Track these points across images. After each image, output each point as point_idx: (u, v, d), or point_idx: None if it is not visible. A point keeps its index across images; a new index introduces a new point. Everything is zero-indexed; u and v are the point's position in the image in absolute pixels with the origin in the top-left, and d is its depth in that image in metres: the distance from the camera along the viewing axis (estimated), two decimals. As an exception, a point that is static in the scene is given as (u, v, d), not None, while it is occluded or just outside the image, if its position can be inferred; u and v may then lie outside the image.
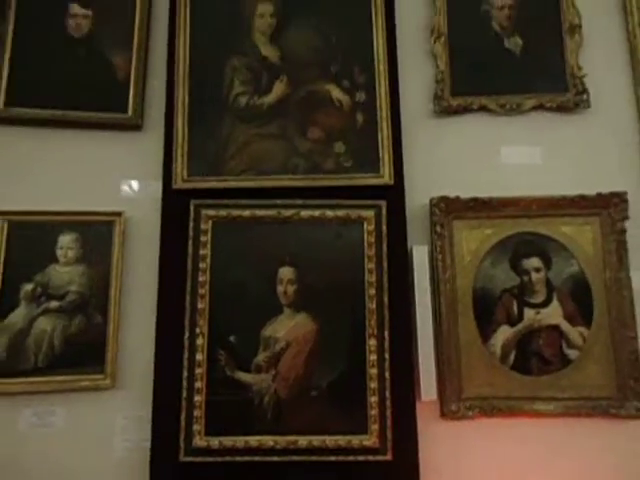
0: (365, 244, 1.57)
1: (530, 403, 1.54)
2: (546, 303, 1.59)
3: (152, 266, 1.58)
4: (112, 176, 1.67)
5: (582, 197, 1.62)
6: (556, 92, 1.73)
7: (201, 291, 1.52)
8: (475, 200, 1.63)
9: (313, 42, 1.72)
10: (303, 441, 1.45)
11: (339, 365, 1.50)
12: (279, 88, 1.68)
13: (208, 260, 1.55)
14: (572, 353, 1.56)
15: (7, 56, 1.69)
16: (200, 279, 1.53)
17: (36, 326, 1.54)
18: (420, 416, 1.51)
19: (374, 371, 1.49)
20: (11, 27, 1.72)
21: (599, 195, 1.61)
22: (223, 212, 1.57)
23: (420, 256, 1.57)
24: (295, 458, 1.45)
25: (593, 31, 1.77)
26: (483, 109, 1.74)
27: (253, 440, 1.45)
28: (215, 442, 1.44)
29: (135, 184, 1.67)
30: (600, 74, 1.74)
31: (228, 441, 1.45)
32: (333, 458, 1.45)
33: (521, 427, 1.52)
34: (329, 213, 1.58)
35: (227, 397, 1.48)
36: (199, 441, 1.44)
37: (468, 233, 1.63)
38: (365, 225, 1.58)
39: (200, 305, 1.51)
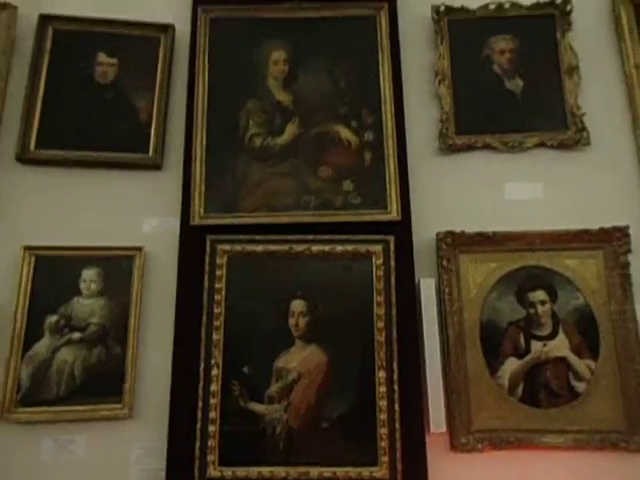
0: (374, 278, 1.62)
1: (539, 436, 1.55)
2: (552, 335, 1.62)
3: (170, 299, 1.65)
4: (133, 213, 1.75)
5: (585, 231, 1.67)
6: (557, 130, 1.80)
7: (216, 323, 1.59)
8: (480, 235, 1.68)
9: (323, 86, 1.82)
10: (314, 472, 1.48)
11: (349, 396, 1.54)
12: (291, 129, 1.78)
13: (223, 293, 1.61)
14: (580, 386, 1.58)
15: (39, 101, 1.81)
16: (215, 311, 1.59)
17: (58, 357, 1.60)
18: (430, 448, 1.53)
19: (384, 403, 1.52)
20: (44, 74, 1.84)
21: (601, 229, 1.66)
22: (238, 247, 1.65)
23: (428, 289, 1.62)
24: (306, 489, 1.48)
25: (590, 72, 1.85)
26: (487, 147, 1.81)
27: (266, 471, 1.48)
28: (228, 472, 1.48)
29: (155, 221, 1.75)
30: (598, 113, 1.81)
31: (241, 471, 1.48)
32: (344, 489, 1.48)
33: (530, 460, 1.54)
34: (339, 248, 1.65)
35: (240, 427, 1.52)
36: (213, 471, 1.48)
37: (474, 266, 1.68)
38: (374, 259, 1.64)
39: (215, 337, 1.57)
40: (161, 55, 1.90)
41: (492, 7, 1.93)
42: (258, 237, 1.66)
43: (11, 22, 1.86)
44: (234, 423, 1.52)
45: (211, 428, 1.51)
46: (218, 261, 1.63)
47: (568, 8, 1.90)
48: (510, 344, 1.62)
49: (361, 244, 1.65)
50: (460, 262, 1.68)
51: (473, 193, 1.77)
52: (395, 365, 1.55)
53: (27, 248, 1.66)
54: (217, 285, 1.61)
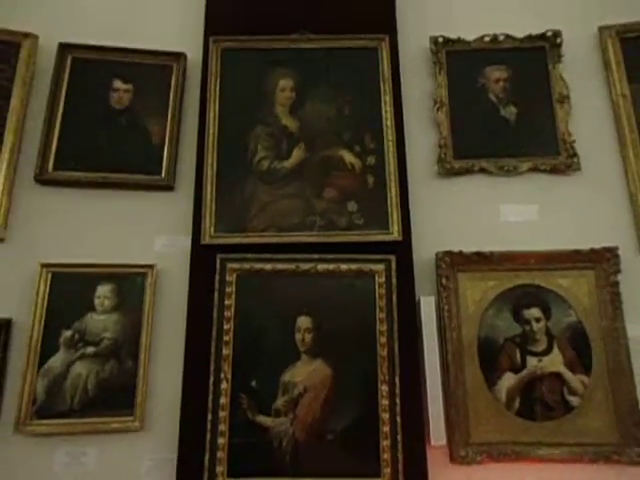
0: (376, 295, 1.69)
1: (535, 449, 1.61)
2: (547, 351, 1.68)
3: (181, 315, 1.71)
4: (146, 232, 1.82)
5: (577, 252, 1.75)
6: (549, 156, 1.89)
7: (225, 338, 1.65)
8: (477, 254, 1.76)
9: (328, 113, 1.91)
10: (320, 483, 1.53)
11: (353, 410, 1.60)
12: (297, 153, 1.87)
13: (232, 309, 1.67)
14: (574, 400, 1.64)
15: (58, 124, 1.89)
16: (225, 327, 1.66)
17: (73, 370, 1.66)
18: (430, 460, 1.58)
19: (386, 416, 1.58)
20: (62, 99, 1.92)
21: (592, 250, 1.74)
22: (246, 265, 1.72)
23: (427, 306, 1.69)
24: (312, 500, 1.53)
25: (580, 101, 1.95)
26: (483, 171, 1.90)
27: (272, 482, 1.54)
28: (237, 483, 1.53)
29: (167, 239, 1.82)
30: (588, 139, 1.91)
31: (249, 482, 1.54)
32: (348, 500, 1.53)
33: (527, 472, 1.59)
34: (343, 267, 1.72)
35: (248, 440, 1.57)
36: (222, 482, 1.53)
37: (472, 285, 1.75)
38: (376, 278, 1.71)
39: (224, 351, 1.63)
40: (173, 82, 1.99)
41: (487, 39, 2.04)
42: (266, 256, 1.72)
43: (32, 50, 1.96)
44: (242, 435, 1.57)
45: (220, 440, 1.56)
46: (228, 279, 1.70)
47: (558, 41, 2.01)
48: (507, 359, 1.69)
49: (364, 263, 1.72)
50: (458, 280, 1.76)
51: (470, 215, 1.86)
52: (397, 379, 1.61)
53: (44, 265, 1.72)
54: (227, 302, 1.68)
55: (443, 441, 1.57)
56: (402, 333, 1.66)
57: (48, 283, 1.72)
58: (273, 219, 1.79)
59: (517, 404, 1.65)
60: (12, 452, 1.59)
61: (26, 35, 1.96)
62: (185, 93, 2.00)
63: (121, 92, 1.98)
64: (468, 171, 1.90)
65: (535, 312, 1.71)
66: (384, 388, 1.60)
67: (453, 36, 2.04)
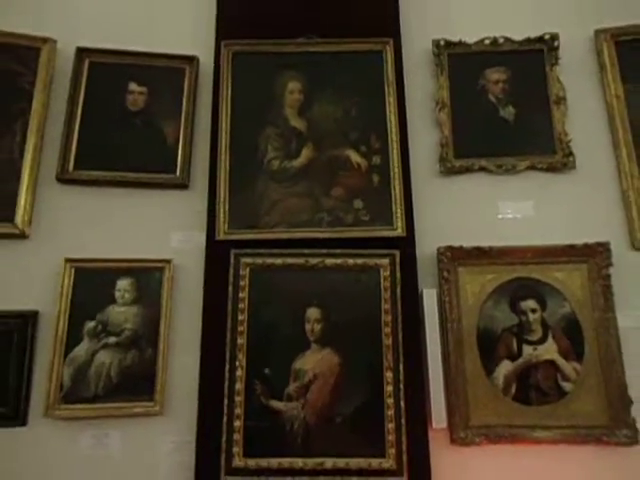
0: (381, 288, 1.78)
1: (530, 431, 1.71)
2: (542, 340, 1.78)
3: (197, 307, 1.80)
4: (163, 228, 1.91)
5: (571, 246, 1.84)
6: (546, 155, 1.98)
7: (240, 329, 1.75)
8: (477, 249, 1.85)
9: (335, 114, 1.99)
10: (329, 463, 1.63)
11: (360, 395, 1.70)
12: (306, 153, 1.95)
13: (246, 302, 1.77)
14: (567, 385, 1.74)
15: (77, 126, 1.97)
16: (239, 318, 1.75)
17: (97, 359, 1.76)
18: (432, 442, 1.69)
19: (391, 400, 1.68)
20: (81, 102, 2.01)
21: (586, 245, 1.83)
22: (259, 260, 1.81)
23: (430, 298, 1.78)
24: (322, 478, 1.63)
25: (576, 102, 2.03)
26: (482, 169, 1.98)
27: (285, 461, 1.64)
28: (252, 463, 1.64)
29: (183, 235, 1.92)
30: (583, 139, 1.99)
31: (263, 462, 1.64)
32: (355, 478, 1.63)
33: (523, 452, 1.70)
34: (350, 261, 1.81)
35: (262, 423, 1.67)
36: (238, 462, 1.64)
37: (471, 278, 1.85)
38: (381, 271, 1.80)
39: (239, 341, 1.73)
40: (186, 84, 2.07)
41: (487, 42, 2.11)
42: (277, 251, 1.82)
43: (51, 55, 2.04)
44: (257, 419, 1.68)
45: (236, 423, 1.66)
46: (241, 273, 1.80)
47: (556, 44, 2.08)
48: (504, 348, 1.78)
49: (370, 258, 1.81)
50: (459, 274, 1.85)
51: (470, 211, 1.94)
52: (401, 367, 1.70)
53: (68, 260, 1.82)
54: (240, 294, 1.78)
55: (444, 424, 1.67)
56: (406, 324, 1.75)
57: (72, 277, 1.81)
58: (283, 216, 1.88)
59: (514, 390, 1.75)
60: (42, 434, 1.70)
61: (45, 40, 2.04)
62: (198, 95, 2.08)
63: (136, 94, 2.05)
64: (468, 169, 1.99)
65: (531, 303, 1.81)
66: (389, 375, 1.70)
67: (454, 39, 2.11)
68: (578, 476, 1.68)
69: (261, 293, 1.79)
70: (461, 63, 2.10)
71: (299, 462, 1.64)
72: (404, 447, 1.64)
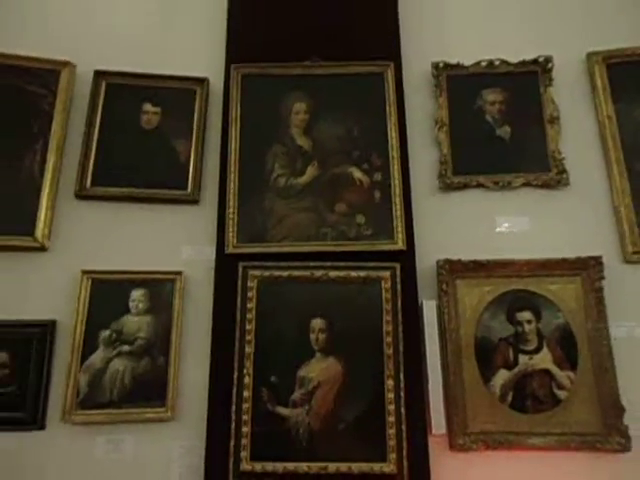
0: (382, 299, 1.85)
1: (526, 438, 1.77)
2: (537, 350, 1.84)
3: (207, 317, 1.88)
4: (175, 242, 2.00)
5: (565, 260, 1.91)
6: (540, 172, 2.06)
7: (247, 338, 1.82)
8: (474, 262, 1.92)
9: (338, 133, 2.09)
10: (332, 467, 1.70)
11: (362, 402, 1.76)
12: (311, 171, 2.04)
13: (253, 312, 1.85)
14: (561, 394, 1.80)
15: (94, 145, 2.08)
16: (247, 328, 1.83)
17: (111, 366, 1.84)
18: (432, 447, 1.75)
19: (392, 407, 1.74)
20: (98, 122, 2.12)
21: (579, 258, 1.91)
22: (266, 273, 1.90)
23: (429, 309, 1.86)
24: (325, 482, 1.70)
25: (569, 121, 2.12)
26: (480, 186, 2.06)
27: (290, 465, 1.70)
28: (259, 466, 1.71)
29: (193, 249, 2.00)
30: (577, 157, 2.07)
31: (269, 466, 1.71)
32: (357, 482, 1.70)
33: (519, 458, 1.76)
34: (352, 274, 1.89)
35: (269, 428, 1.74)
36: (245, 465, 1.71)
37: (469, 290, 1.92)
38: (382, 283, 1.88)
39: (247, 350, 1.81)
40: (197, 105, 2.18)
41: (484, 64, 2.21)
42: (283, 264, 1.90)
43: (70, 77, 2.16)
44: (263, 424, 1.75)
45: (244, 429, 1.74)
46: (249, 284, 1.88)
47: (549, 66, 2.18)
48: (501, 357, 1.85)
49: (372, 270, 1.89)
50: (457, 286, 1.92)
51: (468, 226, 2.02)
52: (401, 375, 1.77)
53: (85, 272, 1.91)
54: (248, 305, 1.86)
55: (443, 430, 1.74)
56: (406, 334, 1.82)
57: (88, 288, 1.90)
58: (289, 230, 1.96)
59: (510, 398, 1.81)
60: (59, 438, 1.78)
61: (65, 64, 2.16)
62: (208, 115, 2.18)
63: (150, 114, 2.16)
64: (466, 186, 2.07)
65: (527, 315, 1.88)
66: (390, 383, 1.77)
67: (453, 61, 2.21)
68: (572, 481, 1.74)
69: (268, 304, 1.87)
70: (459, 84, 2.20)
71: (304, 466, 1.71)
72: (405, 452, 1.71)
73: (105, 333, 1.87)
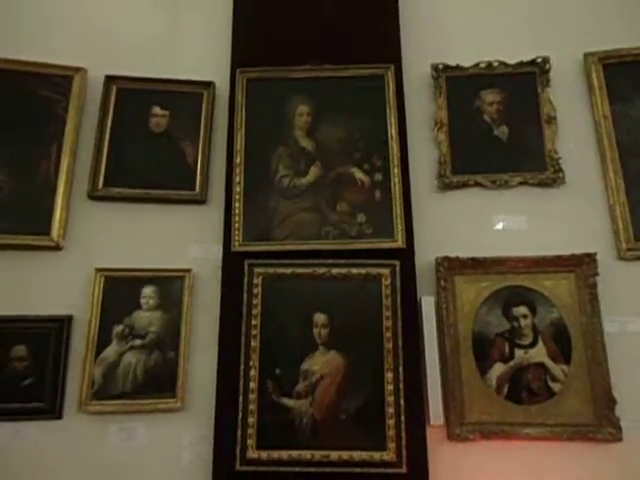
0: (383, 296, 1.92)
1: (521, 428, 1.83)
2: (533, 344, 1.90)
3: (214, 312, 1.96)
4: (184, 240, 2.08)
5: (560, 257, 1.96)
6: (537, 171, 2.10)
7: (253, 332, 1.90)
8: (472, 259, 1.98)
9: (340, 134, 2.14)
10: (334, 455, 1.78)
11: (363, 393, 1.84)
12: (314, 171, 2.11)
13: (259, 308, 1.93)
14: (555, 386, 1.86)
15: (106, 148, 2.16)
16: (253, 323, 1.91)
17: (124, 359, 1.93)
18: (430, 437, 1.82)
19: (391, 399, 1.81)
20: (109, 125, 2.20)
21: (573, 255, 1.96)
22: (271, 270, 1.97)
23: (428, 305, 1.92)
24: (328, 469, 1.77)
25: (566, 121, 2.16)
26: (478, 185, 2.11)
27: (294, 453, 1.78)
28: (264, 455, 1.79)
29: (201, 247, 2.08)
30: (573, 156, 2.11)
31: (275, 454, 1.79)
32: (358, 470, 1.77)
33: (514, 448, 1.82)
34: (354, 271, 1.96)
35: (274, 418, 1.82)
36: (252, 454, 1.79)
37: (467, 286, 1.97)
38: (382, 280, 1.94)
39: (253, 343, 1.89)
40: (204, 108, 2.25)
41: (483, 65, 2.26)
42: (287, 261, 1.97)
43: (83, 82, 2.23)
44: (269, 415, 1.83)
45: (250, 419, 1.82)
46: (254, 281, 1.96)
47: (547, 67, 2.22)
48: (497, 351, 1.91)
49: (372, 267, 1.96)
50: (455, 282, 1.98)
51: (466, 224, 2.08)
52: (401, 368, 1.84)
53: (98, 270, 2.00)
54: (254, 301, 1.93)
55: (441, 421, 1.81)
56: (405, 329, 1.88)
57: (102, 285, 1.99)
58: (293, 229, 2.03)
59: (506, 390, 1.87)
60: (76, 427, 1.88)
61: (77, 69, 2.23)
62: (215, 117, 2.24)
63: (159, 117, 2.23)
64: (465, 185, 2.12)
65: (522, 310, 1.93)
66: (389, 375, 1.84)
67: (452, 63, 2.26)
68: (565, 470, 1.80)
69: (273, 300, 1.94)
70: (458, 85, 2.24)
71: (307, 454, 1.79)
72: (404, 442, 1.78)
73: (118, 328, 1.96)
